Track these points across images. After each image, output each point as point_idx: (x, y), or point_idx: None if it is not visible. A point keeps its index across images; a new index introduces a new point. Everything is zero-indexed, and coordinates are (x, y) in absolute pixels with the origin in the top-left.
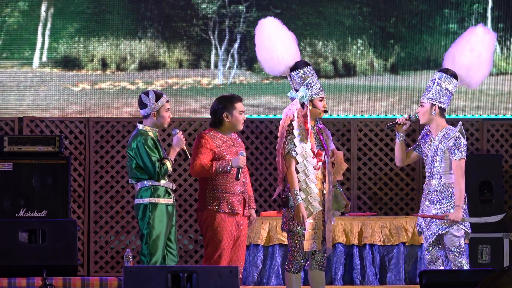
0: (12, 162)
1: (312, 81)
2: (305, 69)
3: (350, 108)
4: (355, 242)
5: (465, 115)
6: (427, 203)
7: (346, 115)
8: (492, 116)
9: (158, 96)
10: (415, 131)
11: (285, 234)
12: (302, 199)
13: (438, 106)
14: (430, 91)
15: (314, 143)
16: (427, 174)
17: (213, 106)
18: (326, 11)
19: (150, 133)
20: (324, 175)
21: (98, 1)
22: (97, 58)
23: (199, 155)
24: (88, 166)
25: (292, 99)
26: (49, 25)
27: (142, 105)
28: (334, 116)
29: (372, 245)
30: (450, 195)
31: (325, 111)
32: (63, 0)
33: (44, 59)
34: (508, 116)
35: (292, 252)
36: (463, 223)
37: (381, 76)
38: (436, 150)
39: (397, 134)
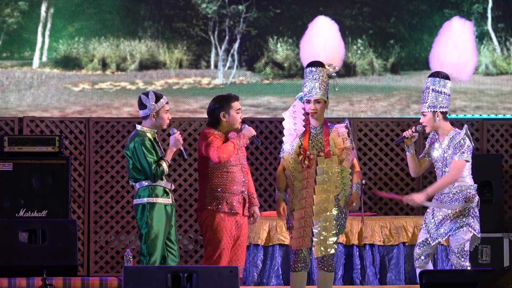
0: (12, 162)
1: (306, 82)
2: (307, 69)
3: (350, 108)
4: (355, 242)
5: (465, 115)
6: (438, 203)
7: (346, 115)
8: (492, 116)
9: (158, 97)
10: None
11: (285, 234)
12: (282, 196)
13: (440, 111)
14: (427, 99)
15: (309, 142)
16: (438, 178)
17: (209, 106)
18: (326, 11)
19: (148, 134)
20: (316, 174)
21: (98, 1)
22: (97, 58)
23: (213, 143)
24: (88, 166)
25: None
26: (49, 25)
27: (142, 105)
28: (334, 116)
29: (372, 245)
30: (462, 197)
31: (307, 113)
32: (63, 0)
33: (44, 59)
34: (508, 116)
35: (293, 251)
36: (473, 227)
37: (381, 76)
38: (445, 154)
39: (406, 147)
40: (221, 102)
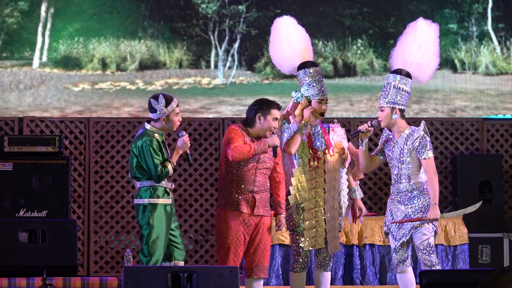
0: (12, 162)
1: (312, 82)
2: (308, 69)
3: (350, 108)
4: (355, 242)
5: (465, 115)
6: (397, 204)
7: (346, 115)
8: (492, 116)
9: (168, 100)
10: (377, 135)
11: (285, 234)
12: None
13: (398, 108)
14: (387, 94)
15: (313, 142)
16: (393, 177)
17: (250, 104)
18: (326, 11)
19: (156, 135)
20: (325, 173)
21: (98, 1)
22: (97, 58)
23: (233, 140)
24: (88, 166)
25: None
26: (49, 25)
27: (152, 109)
28: (334, 116)
29: (372, 245)
30: (420, 194)
31: (321, 114)
32: (63, 0)
33: (44, 59)
34: (508, 116)
35: (294, 252)
36: (433, 222)
37: (381, 76)
38: (401, 152)
39: (360, 142)
40: (262, 105)
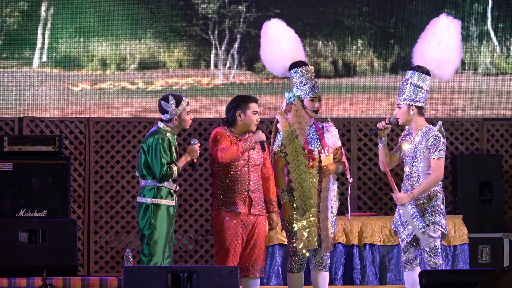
0: (12, 162)
1: (303, 81)
2: (299, 69)
3: (350, 108)
4: (355, 242)
5: (465, 115)
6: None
7: (346, 115)
8: (492, 116)
9: (178, 100)
10: (398, 135)
11: (285, 233)
12: (288, 199)
13: (415, 106)
14: (404, 91)
15: (308, 142)
16: (405, 174)
17: (228, 105)
18: (326, 11)
19: (168, 134)
20: (319, 173)
21: (98, 1)
22: (97, 58)
23: (219, 143)
24: (88, 166)
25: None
26: (49, 25)
27: (163, 111)
28: (334, 116)
29: (372, 245)
30: (429, 195)
31: (315, 111)
32: (63, 0)
33: (44, 59)
34: (508, 116)
35: (290, 252)
36: (440, 224)
37: (381, 76)
38: (416, 149)
39: (379, 139)
40: (239, 101)
